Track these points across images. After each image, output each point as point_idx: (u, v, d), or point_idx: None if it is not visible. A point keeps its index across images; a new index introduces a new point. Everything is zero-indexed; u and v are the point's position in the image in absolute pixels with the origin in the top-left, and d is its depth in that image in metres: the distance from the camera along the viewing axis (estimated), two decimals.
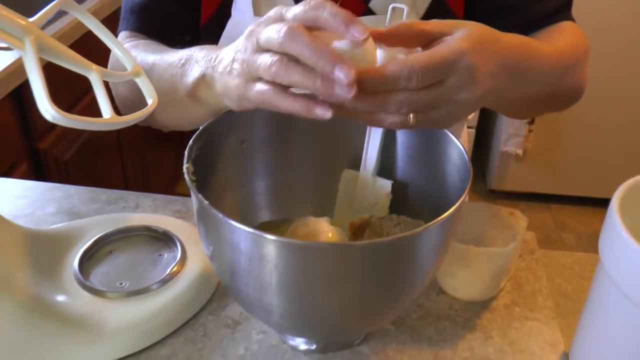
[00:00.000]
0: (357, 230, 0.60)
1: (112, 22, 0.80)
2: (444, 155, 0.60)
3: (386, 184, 0.65)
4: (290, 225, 0.66)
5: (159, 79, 0.69)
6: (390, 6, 0.61)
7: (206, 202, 0.49)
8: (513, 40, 0.59)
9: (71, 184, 0.87)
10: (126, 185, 1.75)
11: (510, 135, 2.21)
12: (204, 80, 0.62)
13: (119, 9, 0.86)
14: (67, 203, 0.81)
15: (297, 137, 0.66)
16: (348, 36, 0.49)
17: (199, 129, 0.59)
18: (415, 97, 0.50)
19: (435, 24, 0.53)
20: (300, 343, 0.62)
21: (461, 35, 0.52)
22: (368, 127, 0.65)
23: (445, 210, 0.56)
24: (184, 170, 0.53)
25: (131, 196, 0.83)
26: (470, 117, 2.35)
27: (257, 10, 0.78)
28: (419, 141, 0.63)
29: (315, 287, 0.51)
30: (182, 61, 0.66)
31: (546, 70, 0.66)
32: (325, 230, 0.63)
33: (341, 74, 0.47)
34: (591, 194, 2.40)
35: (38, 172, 1.31)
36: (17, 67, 1.14)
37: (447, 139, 0.59)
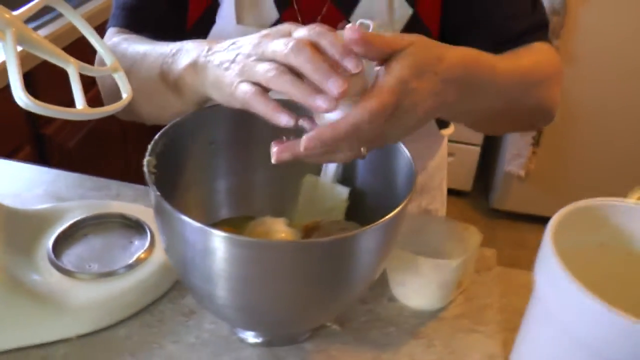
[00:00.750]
0: (308, 233, 0.63)
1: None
2: (395, 164, 0.63)
3: (344, 191, 0.69)
4: (249, 222, 0.70)
5: (148, 67, 0.73)
6: (358, 22, 0.64)
7: (160, 195, 0.53)
8: (460, 54, 0.61)
9: (73, 171, 0.91)
10: (125, 173, 1.79)
11: (514, 156, 2.23)
12: (194, 67, 0.66)
13: None
14: (54, 187, 0.86)
15: (261, 140, 0.69)
16: (342, 66, 0.54)
17: (166, 125, 0.63)
18: (366, 135, 0.55)
19: (383, 42, 0.56)
20: (249, 336, 0.65)
21: (401, 62, 0.55)
22: None
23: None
24: (144, 162, 0.57)
25: (114, 185, 0.87)
26: (474, 134, 2.37)
27: (240, 19, 0.82)
28: (376, 152, 0.66)
29: (257, 281, 0.54)
30: (174, 51, 0.71)
31: (500, 85, 0.68)
32: (280, 230, 0.66)
33: (333, 87, 0.52)
34: None
35: (41, 157, 1.36)
36: (26, 54, 1.18)
37: (397, 150, 0.62)
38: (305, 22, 0.83)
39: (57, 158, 1.40)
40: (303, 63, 0.54)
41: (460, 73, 0.60)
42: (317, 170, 0.70)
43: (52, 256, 0.70)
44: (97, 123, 1.51)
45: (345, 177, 0.69)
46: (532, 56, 0.78)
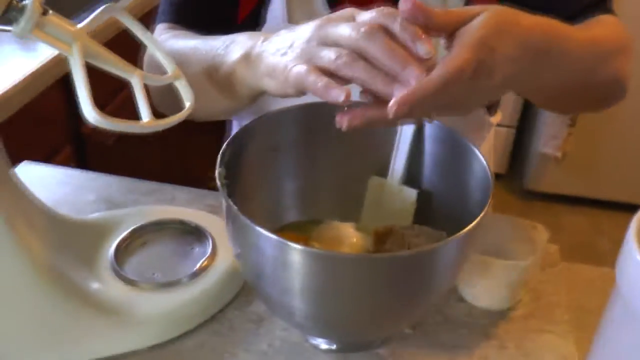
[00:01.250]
0: (380, 238, 0.62)
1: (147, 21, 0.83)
2: (468, 168, 0.61)
3: (412, 193, 0.67)
4: (316, 226, 0.69)
5: (198, 61, 0.72)
6: None
7: (235, 207, 0.52)
8: (538, 21, 0.59)
9: (112, 169, 0.91)
10: (165, 172, 1.80)
11: (550, 137, 2.20)
12: (247, 59, 0.64)
13: (154, 8, 0.89)
14: (106, 192, 0.85)
15: (325, 143, 0.68)
16: (414, 52, 0.52)
17: (231, 135, 0.61)
18: (443, 97, 0.52)
19: (455, 14, 0.54)
20: (321, 342, 0.65)
21: (479, 23, 0.53)
22: (397, 136, 0.67)
23: (467, 223, 0.58)
24: (216, 174, 0.56)
25: (168, 188, 0.87)
26: (509, 116, 2.34)
27: (291, 18, 0.80)
28: (445, 152, 0.65)
29: (334, 294, 0.53)
30: (226, 43, 0.69)
31: (576, 55, 0.66)
32: (350, 236, 0.65)
33: (410, 76, 0.50)
34: (630, 200, 2.37)
35: (80, 156, 1.36)
36: None
37: (471, 153, 0.61)
38: None
39: (97, 157, 1.40)
40: (377, 49, 0.51)
41: (538, 39, 0.58)
42: (382, 172, 0.69)
43: (116, 266, 0.70)
44: (137, 119, 1.51)
45: (411, 178, 0.68)
46: (601, 27, 0.75)
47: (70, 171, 0.90)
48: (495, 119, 1.00)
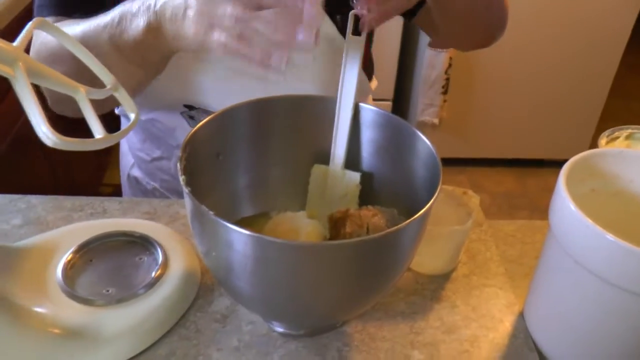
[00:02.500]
0: (337, 223, 0.64)
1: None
2: (411, 148, 0.65)
3: (355, 176, 0.70)
4: (268, 219, 0.70)
5: (95, 44, 0.69)
6: (351, 13, 0.66)
7: (206, 209, 0.52)
8: None
9: (2, 186, 0.85)
10: (53, 182, 1.71)
11: (426, 106, 2.32)
12: (149, 29, 0.65)
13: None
14: (33, 213, 0.81)
15: (270, 138, 0.70)
16: None
17: (182, 142, 0.61)
18: None
19: None
20: (290, 329, 0.67)
21: None
22: (335, 124, 0.69)
23: (413, 198, 0.62)
24: (181, 181, 0.56)
25: (96, 201, 0.84)
26: (386, 90, 2.43)
27: None
28: (385, 135, 0.68)
29: (307, 283, 0.55)
30: (116, 20, 0.68)
31: None
32: (305, 225, 0.67)
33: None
34: (501, 156, 2.57)
35: None
36: None
37: (412, 134, 0.65)
38: None
39: None
40: None
41: None
42: (325, 160, 0.71)
43: (66, 288, 0.68)
44: (17, 135, 1.42)
45: (353, 163, 0.71)
46: None
47: None
48: (373, 84, 1.06)
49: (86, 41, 0.70)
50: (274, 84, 0.77)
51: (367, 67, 1.00)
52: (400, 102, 2.64)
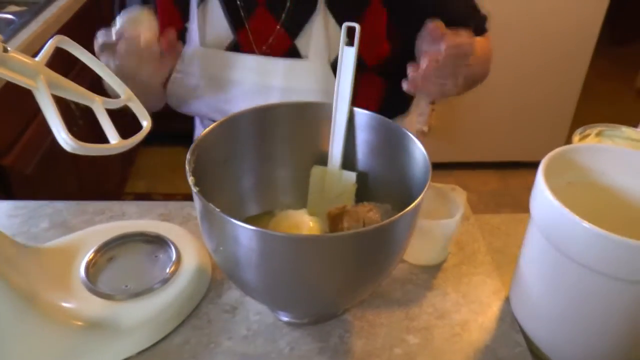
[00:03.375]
0: (336, 219, 0.63)
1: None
2: (402, 149, 0.64)
3: (351, 176, 0.69)
4: (272, 217, 0.69)
5: None
6: (344, 25, 0.64)
7: (213, 207, 0.51)
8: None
9: (35, 196, 0.85)
10: (81, 190, 1.70)
11: (416, 115, 2.30)
12: None
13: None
14: (59, 217, 0.80)
15: (273, 142, 0.69)
16: None
17: (191, 145, 0.60)
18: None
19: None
20: (295, 318, 0.65)
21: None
22: (332, 128, 0.68)
23: (406, 194, 0.61)
24: (190, 182, 0.55)
25: (115, 205, 0.83)
26: None
27: (202, 42, 0.86)
28: (378, 137, 0.67)
29: (309, 273, 0.54)
30: None
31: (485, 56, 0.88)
32: (306, 221, 0.66)
33: None
34: (485, 159, 2.56)
35: (4, 189, 1.25)
36: None
37: (403, 136, 0.63)
38: (257, 41, 0.86)
39: (17, 186, 1.30)
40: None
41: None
42: (323, 161, 0.70)
43: (89, 284, 0.66)
44: (50, 146, 1.41)
45: (349, 163, 0.69)
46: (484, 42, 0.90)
47: (17, 203, 0.83)
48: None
49: None
50: (297, 94, 0.81)
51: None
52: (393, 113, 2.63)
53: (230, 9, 0.84)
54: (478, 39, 0.84)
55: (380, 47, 0.86)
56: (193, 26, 0.84)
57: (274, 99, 0.83)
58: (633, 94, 3.26)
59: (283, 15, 0.84)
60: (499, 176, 2.55)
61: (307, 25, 0.83)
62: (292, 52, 0.85)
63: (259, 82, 0.84)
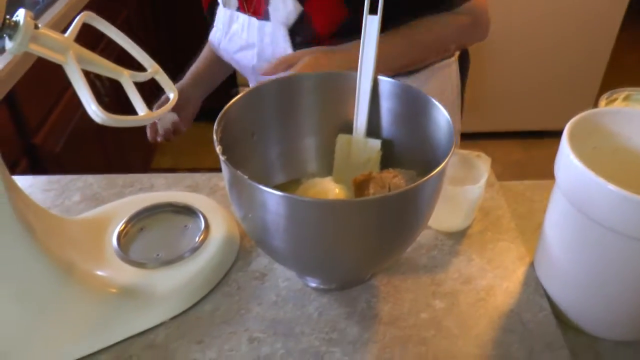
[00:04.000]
0: (361, 185, 0.64)
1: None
2: (426, 115, 0.64)
3: (376, 143, 0.69)
4: (299, 185, 0.70)
5: None
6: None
7: (242, 174, 0.52)
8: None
9: (65, 172, 0.87)
10: (108, 166, 1.73)
11: None
12: None
13: None
14: (90, 191, 0.82)
15: (298, 112, 0.69)
16: None
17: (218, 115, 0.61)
18: None
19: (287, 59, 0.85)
20: (322, 284, 0.66)
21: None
22: (356, 97, 0.68)
23: (430, 161, 0.61)
24: (217, 151, 0.56)
25: (144, 178, 0.85)
26: None
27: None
28: (400, 105, 0.67)
29: (335, 238, 0.54)
30: None
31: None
32: (332, 188, 0.66)
33: None
34: (510, 128, 2.53)
35: (35, 166, 1.28)
36: (8, 72, 1.11)
37: (428, 102, 0.63)
38: (248, 3, 0.96)
39: (50, 164, 1.33)
40: None
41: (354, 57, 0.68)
42: (347, 130, 0.70)
43: (122, 253, 0.68)
44: (77, 124, 1.44)
45: (374, 131, 0.70)
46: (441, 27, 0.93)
47: (50, 178, 0.86)
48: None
49: None
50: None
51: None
52: None
53: None
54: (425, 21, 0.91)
55: (337, 12, 0.88)
56: None
57: (254, 55, 0.96)
58: None
59: None
60: (524, 146, 2.53)
61: None
62: (266, 16, 0.93)
63: (247, 39, 0.97)
